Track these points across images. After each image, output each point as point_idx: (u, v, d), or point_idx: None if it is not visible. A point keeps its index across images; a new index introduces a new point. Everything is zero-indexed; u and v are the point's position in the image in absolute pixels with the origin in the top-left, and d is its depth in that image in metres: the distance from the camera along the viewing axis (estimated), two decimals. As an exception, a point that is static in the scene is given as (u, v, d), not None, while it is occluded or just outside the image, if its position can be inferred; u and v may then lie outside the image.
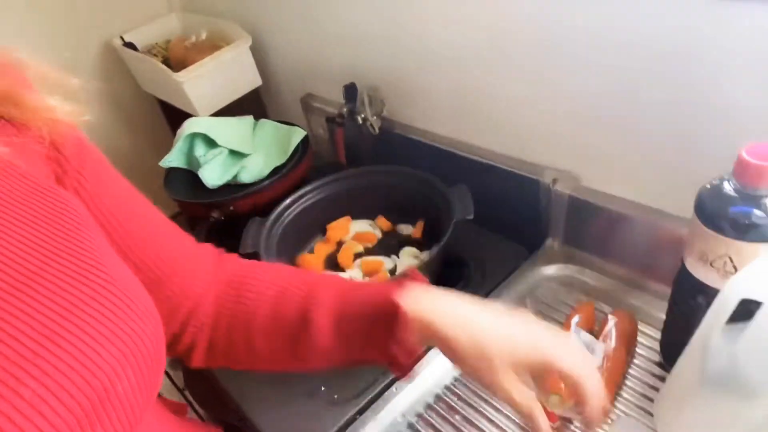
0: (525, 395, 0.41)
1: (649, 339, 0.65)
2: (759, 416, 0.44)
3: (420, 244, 0.82)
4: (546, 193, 0.77)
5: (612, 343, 0.61)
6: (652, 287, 0.70)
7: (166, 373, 0.98)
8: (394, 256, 0.80)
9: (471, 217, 0.69)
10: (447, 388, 0.65)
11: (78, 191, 0.39)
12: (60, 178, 0.38)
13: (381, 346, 0.44)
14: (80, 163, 0.40)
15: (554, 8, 0.64)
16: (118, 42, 1.20)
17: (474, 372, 0.42)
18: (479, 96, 0.81)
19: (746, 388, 0.44)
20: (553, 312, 0.70)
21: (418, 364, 0.66)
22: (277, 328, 0.47)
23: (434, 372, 0.65)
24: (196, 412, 0.93)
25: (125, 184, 0.45)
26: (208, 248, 0.52)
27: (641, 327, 0.66)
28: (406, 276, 0.48)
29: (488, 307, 0.44)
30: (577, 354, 0.43)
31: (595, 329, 0.65)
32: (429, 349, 0.68)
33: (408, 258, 0.79)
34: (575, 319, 0.63)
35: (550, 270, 0.76)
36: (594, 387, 0.41)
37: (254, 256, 0.72)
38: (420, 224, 0.84)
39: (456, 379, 0.65)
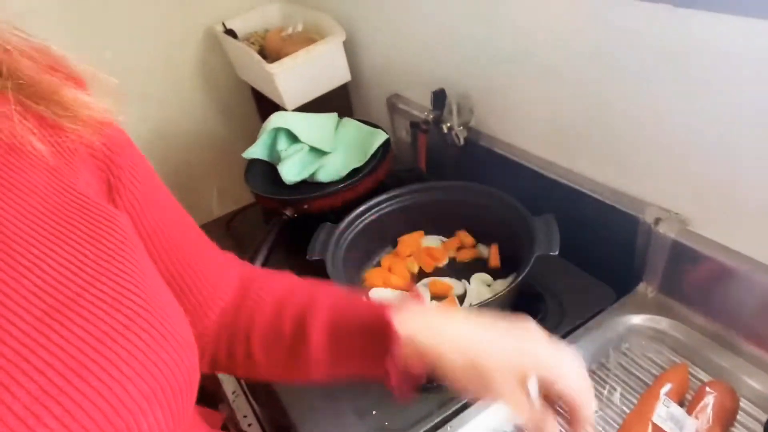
0: (532, 408, 0.40)
1: (749, 418, 0.56)
2: None
3: (492, 272, 0.77)
4: (645, 234, 0.68)
5: (708, 421, 0.52)
6: (758, 356, 0.60)
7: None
8: (464, 281, 0.75)
9: (555, 253, 0.62)
10: (506, 436, 0.59)
11: (128, 200, 0.38)
12: (111, 186, 0.37)
13: (375, 363, 0.43)
14: (132, 169, 0.39)
15: (675, 26, 0.56)
16: (220, 28, 1.23)
17: (473, 392, 0.41)
18: (579, 115, 0.74)
19: None
20: (638, 370, 0.62)
21: (477, 406, 0.61)
22: (274, 338, 0.46)
23: (489, 420, 0.60)
24: (249, 402, 0.93)
25: (166, 189, 0.44)
26: (233, 258, 0.51)
27: (742, 402, 0.57)
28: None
29: (487, 322, 0.43)
30: (578, 374, 0.41)
31: (686, 398, 0.57)
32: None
33: (479, 284, 0.74)
34: (666, 387, 0.55)
35: (640, 320, 0.67)
36: (589, 414, 0.40)
37: (320, 263, 0.70)
38: (495, 249, 0.78)
39: (517, 428, 0.60)
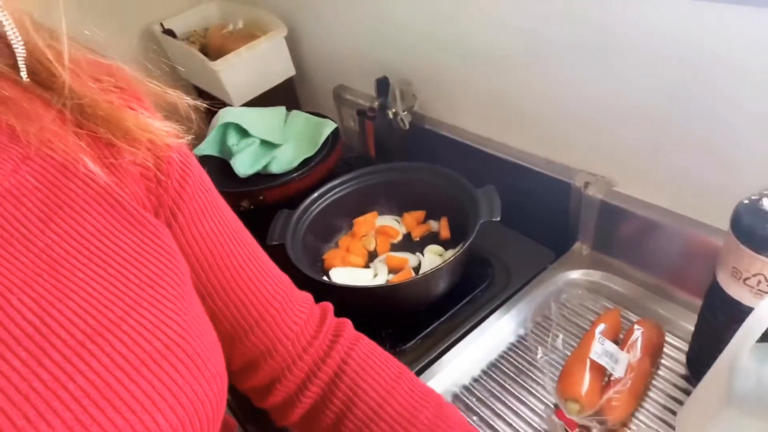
0: None
1: (675, 351, 0.64)
2: (786, 440, 0.43)
3: (444, 243, 0.82)
4: (577, 197, 0.76)
5: (637, 353, 0.60)
6: (681, 298, 0.68)
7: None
8: (418, 254, 0.80)
9: (497, 219, 0.68)
10: (465, 388, 0.65)
11: (174, 219, 0.37)
12: (156, 204, 0.36)
13: None
14: (181, 187, 0.37)
15: (591, 11, 0.63)
16: (158, 28, 1.22)
17: None
18: (513, 95, 0.80)
19: (774, 411, 0.43)
20: (577, 318, 0.70)
21: (436, 363, 0.66)
22: None
23: (453, 372, 0.66)
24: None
25: (228, 216, 0.42)
26: (309, 298, 0.47)
27: (668, 338, 0.65)
28: None
29: None
30: None
31: (620, 338, 0.65)
32: (447, 349, 0.68)
33: (432, 255, 0.79)
34: (600, 327, 0.62)
35: (577, 274, 0.75)
36: None
37: (280, 247, 0.73)
38: (444, 222, 0.83)
39: (475, 380, 0.65)
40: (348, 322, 0.48)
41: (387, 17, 0.94)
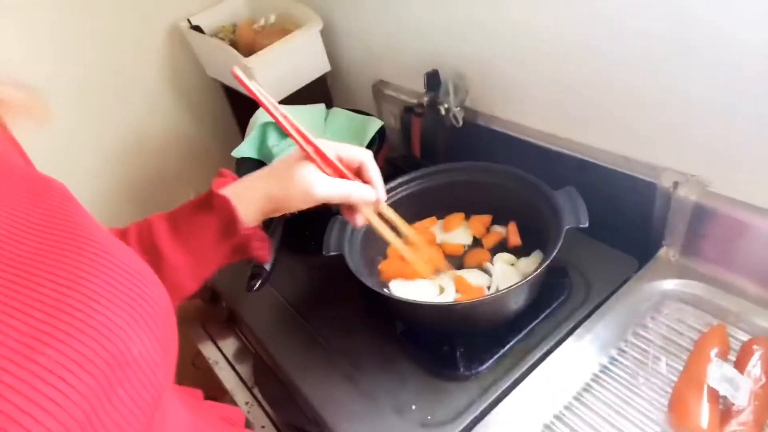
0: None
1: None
2: None
3: (512, 250, 0.75)
4: (664, 199, 0.68)
5: (760, 378, 0.52)
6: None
7: (232, 367, 0.94)
8: (487, 263, 0.73)
9: (585, 225, 0.61)
10: (557, 417, 0.57)
11: None
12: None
13: (225, 236, 0.50)
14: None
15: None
16: (185, 25, 1.16)
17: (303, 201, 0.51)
18: (583, 87, 0.73)
19: None
20: (676, 335, 0.62)
21: (520, 389, 0.59)
22: None
23: (540, 400, 0.58)
24: (264, 411, 0.89)
25: None
26: None
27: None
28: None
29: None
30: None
31: (728, 359, 0.57)
32: (527, 371, 0.61)
33: (504, 266, 0.72)
34: (714, 351, 0.54)
35: (670, 285, 0.67)
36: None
37: (333, 259, 0.67)
38: (514, 228, 0.76)
39: (566, 408, 0.58)
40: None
41: (432, 7, 0.87)
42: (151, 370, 0.31)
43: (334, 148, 0.52)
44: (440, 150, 0.99)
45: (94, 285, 0.31)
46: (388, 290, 0.71)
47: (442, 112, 0.89)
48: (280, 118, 0.50)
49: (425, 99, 0.92)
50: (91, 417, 0.27)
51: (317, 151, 0.51)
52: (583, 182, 0.73)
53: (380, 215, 0.59)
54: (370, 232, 0.75)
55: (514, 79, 0.82)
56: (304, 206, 0.51)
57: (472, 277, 0.71)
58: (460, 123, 0.89)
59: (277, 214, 0.53)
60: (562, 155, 0.79)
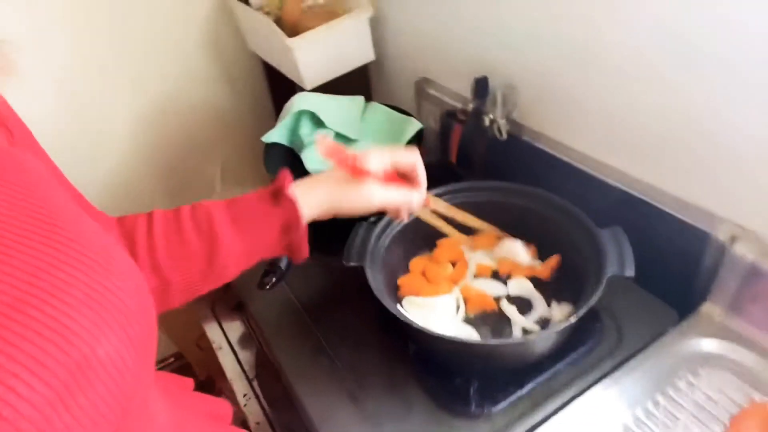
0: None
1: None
2: None
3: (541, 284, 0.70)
4: (717, 252, 0.62)
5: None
6: None
7: (234, 354, 0.92)
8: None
9: (631, 275, 0.56)
10: None
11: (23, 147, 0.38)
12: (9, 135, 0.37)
13: (280, 227, 0.52)
14: (22, 131, 0.40)
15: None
16: (232, -6, 1.12)
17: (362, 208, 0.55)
18: (642, 114, 0.67)
19: None
20: (711, 405, 0.56)
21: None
22: (179, 245, 0.49)
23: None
24: (261, 407, 0.86)
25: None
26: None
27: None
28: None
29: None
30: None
31: (769, 441, 0.52)
32: (544, 420, 0.57)
33: (521, 281, 0.67)
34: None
35: (711, 346, 0.61)
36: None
37: (359, 270, 0.63)
38: (555, 260, 0.70)
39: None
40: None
41: (492, 9, 0.81)
42: (119, 373, 0.28)
43: (390, 155, 0.56)
44: (478, 161, 0.94)
45: (56, 280, 0.28)
46: (402, 307, 0.67)
47: (486, 122, 0.84)
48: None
49: (470, 106, 0.86)
50: (45, 430, 0.25)
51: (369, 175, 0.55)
52: (627, 218, 0.67)
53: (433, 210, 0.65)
54: (394, 243, 0.71)
55: (568, 98, 0.76)
56: (362, 213, 0.55)
57: (485, 284, 0.67)
58: (504, 136, 0.84)
59: (328, 217, 0.55)
60: (608, 186, 0.73)
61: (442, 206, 0.68)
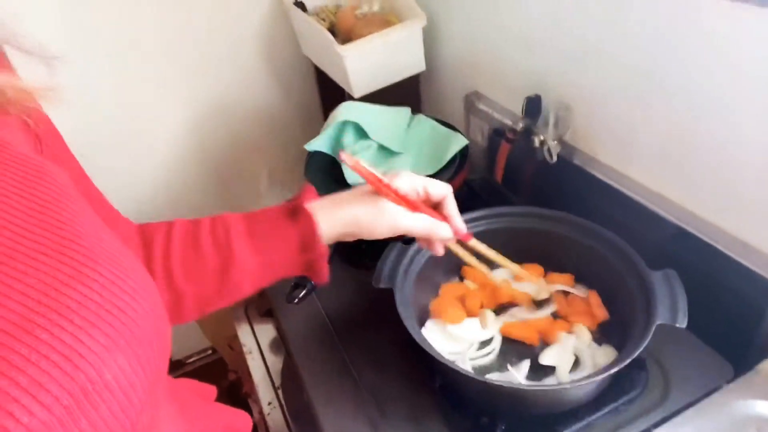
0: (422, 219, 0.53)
1: None
2: None
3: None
4: (784, 305, 0.56)
5: None
6: None
7: (263, 360, 0.92)
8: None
9: (683, 326, 0.51)
10: None
11: (52, 155, 0.38)
12: (39, 142, 0.38)
13: (298, 248, 0.50)
14: (53, 140, 0.40)
15: None
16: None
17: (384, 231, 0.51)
18: (707, 145, 0.62)
19: None
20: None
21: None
22: (194, 259, 0.48)
23: None
24: (285, 418, 0.86)
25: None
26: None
27: None
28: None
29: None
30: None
31: None
32: None
33: (578, 342, 0.62)
34: None
35: (767, 409, 0.56)
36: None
37: (388, 292, 0.61)
38: (596, 299, 0.66)
39: None
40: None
41: (550, 23, 0.77)
42: (126, 396, 0.28)
43: (422, 182, 0.53)
44: (525, 182, 0.90)
45: (68, 299, 0.27)
46: (429, 330, 0.64)
47: (536, 143, 0.80)
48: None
49: (520, 125, 0.83)
50: None
51: (399, 197, 0.52)
52: (682, 257, 0.62)
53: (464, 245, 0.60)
54: (427, 266, 0.68)
55: (627, 123, 0.72)
56: (387, 235, 0.52)
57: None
58: (554, 159, 0.80)
59: (352, 239, 0.52)
60: (663, 220, 0.68)
61: (483, 248, 0.62)
